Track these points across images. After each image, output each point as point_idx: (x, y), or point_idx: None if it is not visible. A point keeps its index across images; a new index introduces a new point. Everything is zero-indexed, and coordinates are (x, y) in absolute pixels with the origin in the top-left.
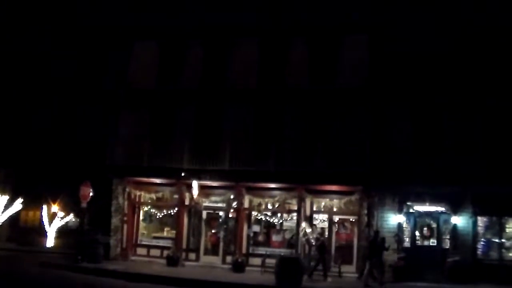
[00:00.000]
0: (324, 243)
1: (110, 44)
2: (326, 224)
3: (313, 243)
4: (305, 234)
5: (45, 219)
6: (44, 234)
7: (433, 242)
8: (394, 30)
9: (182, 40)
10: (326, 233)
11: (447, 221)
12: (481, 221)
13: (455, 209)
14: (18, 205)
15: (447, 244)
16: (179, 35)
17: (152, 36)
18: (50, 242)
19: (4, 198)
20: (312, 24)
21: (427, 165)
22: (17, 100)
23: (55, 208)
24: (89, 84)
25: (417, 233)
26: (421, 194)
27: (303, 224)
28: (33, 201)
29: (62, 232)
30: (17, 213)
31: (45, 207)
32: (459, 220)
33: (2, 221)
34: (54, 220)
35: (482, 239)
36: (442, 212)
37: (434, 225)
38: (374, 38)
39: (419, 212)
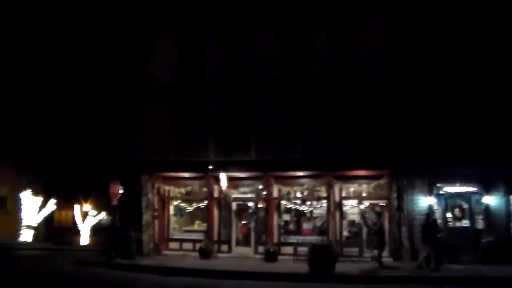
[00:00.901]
0: (382, 227)
1: (131, 41)
2: (356, 210)
3: (372, 227)
4: (363, 216)
5: (78, 218)
6: (78, 232)
7: (465, 223)
8: (412, 8)
9: (201, 34)
10: (357, 218)
11: (479, 201)
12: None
13: (487, 189)
14: (51, 205)
15: (480, 225)
16: (198, 28)
17: (172, 31)
18: (84, 240)
19: (38, 199)
20: (330, 10)
21: (456, 145)
22: (46, 102)
23: (87, 207)
24: (114, 81)
25: (448, 215)
26: (451, 174)
27: (361, 207)
28: (66, 201)
29: (95, 230)
30: (51, 214)
31: (77, 206)
32: (492, 200)
33: (38, 222)
34: (87, 218)
35: None
36: (473, 192)
37: (465, 206)
38: (393, 18)
39: (449, 193)
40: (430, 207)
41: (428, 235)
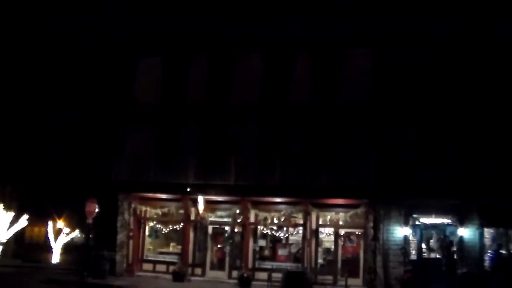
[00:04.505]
0: None
1: (115, 60)
2: (332, 238)
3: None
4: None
5: (51, 235)
6: (49, 250)
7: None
8: (397, 43)
9: (186, 56)
10: (332, 246)
11: (453, 233)
12: (488, 232)
13: (461, 221)
14: (23, 221)
15: (454, 256)
16: (183, 51)
17: (157, 52)
18: (55, 258)
19: (10, 215)
20: (316, 38)
21: (433, 177)
22: (22, 116)
23: (60, 224)
24: (94, 100)
25: (423, 246)
26: (427, 206)
27: None
28: (39, 217)
29: (68, 248)
30: (23, 230)
31: (50, 223)
32: (466, 232)
33: (8, 237)
34: (60, 236)
35: (489, 251)
36: (448, 224)
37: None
38: (378, 51)
39: (425, 224)
40: (406, 238)
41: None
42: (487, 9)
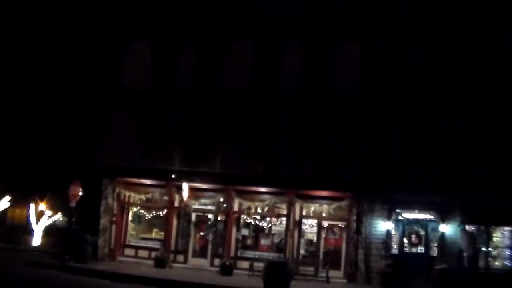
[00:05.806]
0: None
1: (103, 43)
2: (315, 229)
3: None
4: None
5: (32, 218)
6: (31, 232)
7: (421, 249)
8: (388, 39)
9: (176, 42)
10: (315, 238)
11: (435, 229)
12: (469, 229)
13: (444, 217)
14: (5, 202)
15: (434, 252)
16: (173, 36)
17: (146, 36)
18: (37, 240)
19: None
20: (307, 30)
21: (417, 173)
22: (5, 98)
23: (42, 206)
24: (81, 82)
25: (405, 240)
26: (410, 201)
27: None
28: (21, 199)
29: (50, 231)
30: (4, 211)
31: (32, 205)
32: (447, 228)
33: None
34: (42, 218)
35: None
36: (430, 220)
37: (422, 233)
38: (368, 46)
39: (407, 220)
40: (389, 232)
41: None
42: (479, 7)
